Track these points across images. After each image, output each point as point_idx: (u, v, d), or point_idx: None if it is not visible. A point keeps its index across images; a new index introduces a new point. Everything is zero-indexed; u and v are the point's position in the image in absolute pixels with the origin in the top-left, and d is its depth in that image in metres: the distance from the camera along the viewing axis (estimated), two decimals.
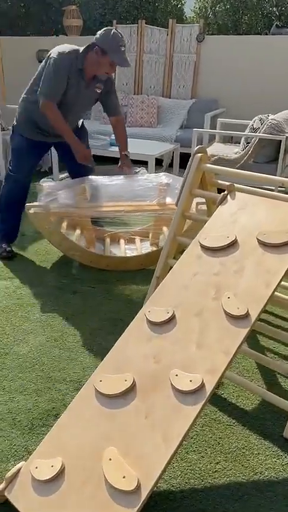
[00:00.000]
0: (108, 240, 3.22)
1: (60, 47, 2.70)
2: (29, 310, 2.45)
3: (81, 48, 2.68)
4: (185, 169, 3.91)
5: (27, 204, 2.72)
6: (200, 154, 2.07)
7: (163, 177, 2.96)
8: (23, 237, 3.41)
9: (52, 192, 2.88)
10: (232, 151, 4.33)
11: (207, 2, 5.96)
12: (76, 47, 2.70)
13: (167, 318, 1.59)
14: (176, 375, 1.43)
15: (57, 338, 2.21)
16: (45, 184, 2.99)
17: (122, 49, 2.61)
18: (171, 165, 5.30)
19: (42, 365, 2.03)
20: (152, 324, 1.61)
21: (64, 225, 3.02)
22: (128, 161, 3.00)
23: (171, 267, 2.11)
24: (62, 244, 2.88)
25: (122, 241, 3.26)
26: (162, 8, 6.24)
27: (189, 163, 4.25)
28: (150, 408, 1.41)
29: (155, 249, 3.06)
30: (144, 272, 2.92)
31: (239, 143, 4.74)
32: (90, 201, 2.91)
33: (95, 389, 1.51)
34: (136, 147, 4.22)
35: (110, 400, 1.47)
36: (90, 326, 2.32)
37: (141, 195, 2.99)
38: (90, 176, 2.95)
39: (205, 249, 1.75)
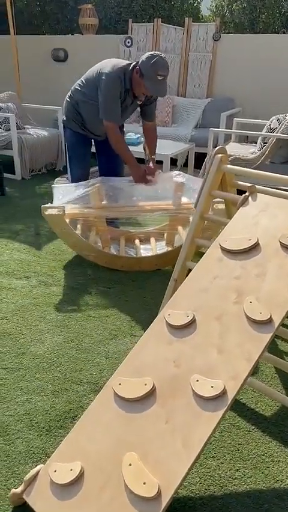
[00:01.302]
0: (123, 240, 3.21)
1: (110, 65, 2.76)
2: (45, 310, 2.45)
3: (129, 64, 2.76)
4: (200, 168, 3.88)
5: (42, 206, 2.72)
6: (220, 155, 2.04)
7: (178, 176, 2.94)
8: (37, 236, 3.42)
9: (67, 193, 2.87)
10: (248, 151, 4.28)
11: (224, 1, 5.89)
12: (124, 64, 2.77)
13: (187, 321, 1.57)
14: (197, 380, 1.41)
15: (74, 339, 2.20)
16: (61, 185, 2.98)
17: (159, 78, 2.64)
18: (185, 165, 5.27)
19: (59, 365, 2.02)
20: (171, 327, 1.59)
21: (79, 225, 3.01)
22: (153, 168, 3.03)
23: (189, 270, 2.10)
24: (77, 245, 2.87)
25: (137, 241, 3.24)
26: (178, 6, 6.20)
27: (205, 162, 4.24)
28: (170, 413, 1.39)
29: (170, 249, 3.04)
30: (159, 273, 2.90)
31: (255, 143, 4.70)
32: (105, 202, 2.90)
33: (114, 392, 1.49)
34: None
35: (129, 404, 1.45)
36: (107, 327, 2.31)
37: (156, 194, 2.97)
38: (105, 177, 2.95)
39: (226, 251, 1.72)
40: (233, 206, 2.33)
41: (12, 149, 4.82)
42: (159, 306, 2.48)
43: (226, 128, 4.99)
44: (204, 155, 5.13)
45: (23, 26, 6.69)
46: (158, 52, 2.71)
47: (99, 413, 1.48)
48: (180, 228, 3.17)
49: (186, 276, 1.79)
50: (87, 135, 3.07)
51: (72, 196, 2.82)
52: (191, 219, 3.07)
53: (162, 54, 2.68)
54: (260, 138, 4.22)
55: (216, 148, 2.06)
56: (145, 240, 3.29)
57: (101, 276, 2.84)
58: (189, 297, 1.65)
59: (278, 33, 5.57)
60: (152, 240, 3.24)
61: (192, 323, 1.57)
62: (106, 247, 3.02)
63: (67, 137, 3.17)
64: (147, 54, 2.67)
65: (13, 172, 4.89)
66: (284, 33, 5.53)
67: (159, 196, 2.99)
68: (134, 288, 2.71)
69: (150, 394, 1.45)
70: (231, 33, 6.02)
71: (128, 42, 6.00)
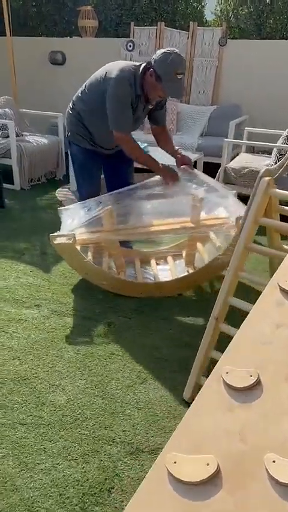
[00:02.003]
0: (138, 262, 2.95)
1: (117, 67, 2.45)
2: (61, 347, 2.18)
3: (138, 66, 2.45)
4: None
5: (51, 234, 2.45)
6: (267, 178, 1.81)
7: (198, 191, 2.69)
8: (44, 256, 3.15)
9: (77, 217, 2.60)
10: (263, 163, 4.07)
11: (229, 5, 5.69)
12: (132, 66, 2.46)
13: (251, 382, 1.32)
14: (273, 461, 1.16)
15: (98, 384, 1.95)
16: (69, 208, 2.71)
17: (179, 77, 2.36)
18: None
19: (85, 419, 1.76)
20: (231, 389, 1.34)
21: (90, 251, 2.75)
22: (186, 158, 2.75)
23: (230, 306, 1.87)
24: (91, 274, 2.61)
25: (153, 262, 2.99)
26: (181, 10, 5.98)
27: (218, 174, 4.01)
28: (241, 502, 1.14)
29: (191, 270, 2.80)
30: (181, 299, 2.66)
31: (265, 153, 4.50)
32: (118, 223, 2.64)
33: (168, 471, 1.24)
34: (157, 156, 3.96)
35: (188, 489, 1.20)
36: (133, 368, 2.06)
37: (173, 211, 2.73)
38: (116, 193, 2.65)
39: (287, 293, 1.48)
40: (276, 233, 2.11)
41: (10, 157, 4.54)
42: (185, 340, 2.25)
43: (234, 136, 4.78)
44: (211, 165, 4.92)
45: (18, 27, 6.40)
46: (171, 48, 2.42)
47: (149, 498, 1.23)
48: (199, 244, 2.94)
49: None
50: (96, 150, 2.74)
51: (82, 221, 2.55)
52: (211, 235, 2.85)
53: (176, 50, 2.39)
54: (275, 149, 4.01)
55: (263, 170, 1.82)
56: (161, 260, 3.05)
57: (119, 303, 2.59)
58: (250, 350, 1.41)
59: (286, 39, 5.38)
60: (170, 259, 3.00)
61: (257, 384, 1.33)
62: (121, 272, 2.77)
63: (74, 155, 2.80)
64: (160, 53, 2.37)
65: (12, 182, 4.60)
66: None
67: (176, 210, 2.74)
68: (156, 318, 2.46)
69: (215, 477, 1.20)
70: (236, 38, 5.81)
71: (130, 46, 5.76)
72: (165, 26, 5.65)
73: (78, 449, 1.63)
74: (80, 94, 2.68)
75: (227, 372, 1.37)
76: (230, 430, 1.26)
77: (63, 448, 1.63)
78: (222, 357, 1.44)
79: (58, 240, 2.48)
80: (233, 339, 1.47)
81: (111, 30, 6.20)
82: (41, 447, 1.63)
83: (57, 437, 1.68)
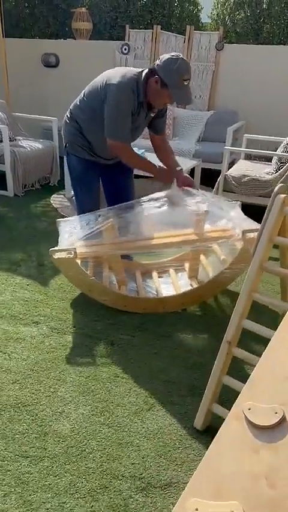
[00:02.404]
0: (139, 275, 2.86)
1: (119, 74, 2.35)
2: (63, 369, 2.07)
3: (140, 72, 2.34)
4: (206, 185, 3.45)
5: (51, 249, 2.35)
6: (283, 196, 1.72)
7: (199, 202, 2.59)
8: (41, 268, 3.03)
9: (76, 230, 2.49)
10: (263, 171, 4.00)
11: (225, 9, 5.63)
12: (134, 72, 2.35)
13: (276, 420, 1.24)
14: None
15: (103, 410, 1.84)
16: (67, 220, 2.60)
17: (186, 84, 2.27)
18: None
19: (92, 451, 1.66)
20: (255, 427, 1.25)
21: (90, 264, 2.64)
22: (188, 178, 2.62)
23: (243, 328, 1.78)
24: (93, 290, 2.51)
25: (154, 274, 2.90)
26: (177, 13, 5.90)
27: (217, 182, 3.93)
28: None
29: (195, 285, 2.71)
30: (185, 314, 2.57)
31: (266, 161, 4.43)
32: (119, 236, 2.54)
33: None
34: (154, 162, 3.87)
35: None
36: (139, 392, 1.96)
37: (176, 222, 2.63)
38: (118, 207, 2.55)
39: None
40: None
41: (3, 163, 4.41)
42: (193, 361, 2.16)
43: (231, 142, 4.71)
44: (208, 171, 4.85)
45: (11, 28, 6.27)
46: (175, 53, 2.29)
47: None
48: (202, 257, 2.85)
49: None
50: (95, 161, 2.62)
51: (82, 234, 2.44)
52: (215, 247, 2.77)
53: (180, 55, 2.28)
54: (275, 157, 3.94)
55: (278, 187, 1.74)
56: (163, 273, 2.95)
57: (121, 319, 2.49)
58: (273, 384, 1.32)
59: (284, 44, 5.33)
60: (172, 272, 2.90)
61: (282, 421, 1.25)
62: (122, 286, 2.67)
63: (73, 166, 2.68)
64: (165, 58, 2.26)
65: (5, 188, 4.47)
66: None
67: (179, 222, 2.65)
68: (160, 336, 2.37)
69: None
70: (232, 42, 5.75)
71: (125, 49, 5.66)
72: (161, 29, 5.57)
73: (85, 484, 1.53)
74: (78, 103, 2.55)
75: (249, 409, 1.28)
76: (255, 473, 1.17)
77: (70, 484, 1.53)
78: (242, 392, 1.35)
79: (58, 255, 2.38)
80: (254, 371, 1.38)
81: (105, 32, 6.10)
82: (46, 483, 1.53)
83: (63, 471, 1.57)
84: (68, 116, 2.60)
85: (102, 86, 2.38)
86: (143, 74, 2.34)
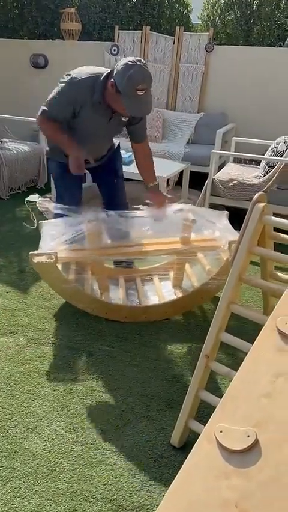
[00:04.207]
0: (122, 281, 2.79)
1: (78, 71, 2.27)
2: (38, 382, 2.00)
3: (103, 73, 2.23)
4: (194, 188, 3.38)
5: (30, 252, 2.27)
6: (262, 204, 1.66)
7: (189, 213, 2.53)
8: (21, 275, 2.96)
9: (59, 233, 2.42)
10: (251, 175, 3.95)
11: (216, 10, 5.58)
12: (97, 72, 2.25)
13: (248, 444, 1.17)
14: None
15: (77, 427, 1.77)
16: (50, 222, 2.53)
17: (140, 94, 2.09)
18: (178, 183, 4.89)
19: (62, 471, 1.59)
20: (226, 451, 1.19)
21: (72, 269, 2.58)
22: (161, 196, 2.53)
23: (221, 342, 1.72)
24: (74, 297, 2.45)
25: (138, 281, 2.83)
26: (167, 14, 5.84)
27: (205, 186, 3.87)
28: None
29: (180, 295, 2.64)
30: (167, 323, 2.51)
31: (255, 164, 4.38)
32: (104, 241, 2.48)
33: None
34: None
35: None
36: (116, 406, 1.89)
37: (162, 229, 2.57)
38: (104, 212, 2.48)
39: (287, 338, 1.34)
40: (269, 261, 1.97)
41: None
42: (173, 373, 2.09)
43: (220, 145, 4.65)
44: (197, 174, 4.79)
45: None
46: (136, 58, 2.12)
47: None
48: (187, 266, 2.78)
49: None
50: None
51: (65, 238, 2.37)
52: (199, 257, 2.71)
53: (142, 61, 2.12)
54: (264, 161, 3.89)
55: (257, 195, 1.68)
56: (147, 280, 2.88)
57: (101, 329, 2.42)
58: (246, 404, 1.26)
59: (274, 46, 5.28)
60: (156, 280, 2.84)
61: (254, 445, 1.18)
62: (105, 292, 2.60)
63: (53, 170, 2.64)
64: (122, 62, 2.10)
65: None
66: (280, 46, 5.24)
67: (165, 229, 2.59)
68: (141, 346, 2.30)
69: None
70: (223, 44, 5.70)
71: (114, 50, 5.59)
72: (150, 30, 5.50)
73: (54, 507, 1.46)
74: None
75: (220, 431, 1.21)
76: (225, 500, 1.11)
77: (38, 507, 1.46)
78: (215, 412, 1.29)
79: (38, 259, 2.30)
80: (227, 390, 1.32)
81: (94, 33, 6.03)
82: (13, 506, 1.46)
83: (31, 493, 1.50)
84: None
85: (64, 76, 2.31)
86: (103, 74, 2.22)
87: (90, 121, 2.31)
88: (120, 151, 2.81)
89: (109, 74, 2.20)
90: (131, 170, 3.44)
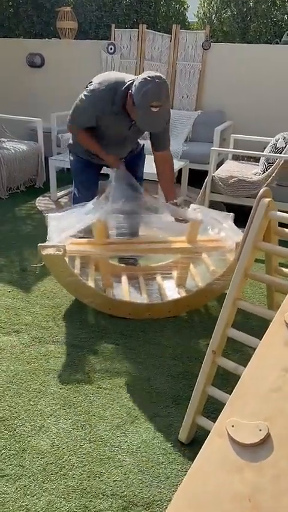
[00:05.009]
0: (125, 278, 2.78)
1: (102, 78, 2.33)
2: (44, 380, 2.00)
3: (125, 82, 2.26)
4: (193, 186, 3.37)
5: (39, 244, 2.27)
6: (267, 200, 1.67)
7: (197, 213, 2.52)
8: (23, 274, 2.95)
9: (65, 225, 2.42)
10: (251, 172, 3.95)
11: (212, 7, 5.58)
12: (120, 81, 2.28)
13: (260, 438, 1.18)
14: None
15: (84, 424, 1.78)
16: (57, 215, 2.52)
17: (154, 110, 2.13)
18: (177, 181, 4.89)
19: (72, 468, 1.59)
20: (238, 445, 1.20)
21: (78, 262, 2.59)
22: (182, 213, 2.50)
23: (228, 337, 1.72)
24: (79, 290, 2.45)
25: (141, 279, 2.83)
26: (163, 12, 5.83)
27: (205, 183, 3.87)
28: None
29: (184, 294, 2.64)
30: (172, 320, 2.51)
31: (254, 161, 4.39)
32: (111, 235, 2.49)
33: None
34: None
35: None
36: (123, 403, 1.89)
37: (169, 229, 2.57)
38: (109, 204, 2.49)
39: None
40: (274, 256, 1.98)
41: None
42: (179, 369, 2.10)
43: (218, 143, 4.65)
44: (196, 172, 4.79)
45: None
46: (155, 74, 2.16)
47: None
48: (191, 266, 2.79)
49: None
50: (95, 162, 2.62)
51: (72, 231, 2.37)
52: (204, 256, 2.71)
53: (161, 77, 2.16)
54: (263, 158, 3.90)
55: (262, 190, 1.69)
56: (151, 279, 2.88)
57: (105, 326, 2.42)
58: (257, 399, 1.26)
59: (271, 43, 5.29)
60: (159, 277, 2.84)
61: (267, 439, 1.19)
62: (108, 288, 2.60)
63: (72, 163, 2.74)
64: (141, 77, 2.15)
65: None
66: (277, 43, 5.25)
67: (172, 227, 2.58)
68: (146, 343, 2.31)
69: None
70: (219, 41, 5.70)
71: (111, 48, 5.59)
72: (147, 28, 5.50)
73: (64, 504, 1.46)
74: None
75: (232, 426, 1.22)
76: (238, 494, 1.12)
77: (48, 504, 1.46)
78: (226, 407, 1.29)
79: (47, 251, 2.29)
80: (237, 384, 1.32)
81: (91, 32, 6.02)
82: (23, 504, 1.46)
83: (41, 490, 1.50)
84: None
85: (87, 85, 2.40)
86: (125, 85, 2.26)
87: (111, 129, 2.39)
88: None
89: (130, 85, 2.23)
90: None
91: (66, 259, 2.36)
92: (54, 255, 2.26)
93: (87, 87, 2.37)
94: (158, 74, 2.18)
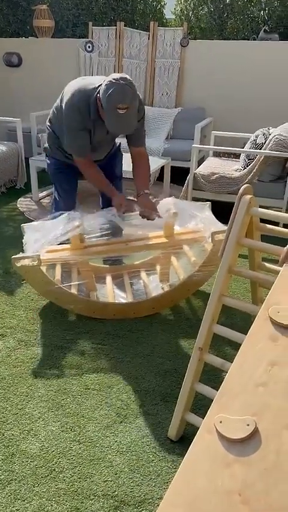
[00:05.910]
0: (109, 279, 2.78)
1: (73, 89, 2.28)
2: (31, 383, 1.99)
3: (95, 88, 2.23)
4: (175, 183, 3.38)
5: (13, 257, 2.26)
6: (248, 197, 1.68)
7: (171, 206, 2.53)
8: (6, 276, 2.93)
9: (42, 235, 2.40)
10: (231, 168, 3.98)
11: (189, 4, 5.59)
12: (89, 88, 2.24)
13: (248, 433, 1.19)
14: None
15: (73, 426, 1.77)
16: (32, 224, 2.50)
17: (120, 112, 2.10)
18: (159, 178, 4.90)
19: (62, 470, 1.58)
20: (227, 441, 1.21)
21: (58, 270, 2.56)
22: (150, 203, 2.48)
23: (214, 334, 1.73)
24: (60, 298, 2.43)
25: (126, 278, 2.83)
26: (140, 9, 5.82)
27: (187, 181, 3.89)
28: None
29: (166, 288, 2.65)
30: (157, 318, 2.52)
31: (235, 158, 4.42)
32: (88, 239, 2.47)
33: None
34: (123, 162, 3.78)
35: None
36: (111, 403, 1.89)
37: (144, 226, 2.57)
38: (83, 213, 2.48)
39: (281, 327, 1.36)
40: (258, 252, 2.00)
41: None
42: (166, 367, 2.10)
43: (199, 139, 4.67)
44: (178, 169, 4.80)
45: None
46: (120, 76, 2.13)
47: None
48: (173, 259, 2.80)
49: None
50: (73, 163, 2.56)
51: (48, 239, 2.35)
52: (185, 249, 2.72)
53: (126, 78, 2.12)
54: (243, 154, 3.93)
55: (243, 188, 1.70)
56: (134, 276, 2.89)
57: (91, 327, 2.41)
58: (244, 394, 1.28)
59: (248, 39, 5.32)
60: (143, 273, 2.84)
61: (254, 434, 1.20)
62: (92, 291, 2.59)
63: (50, 167, 2.70)
64: (107, 80, 2.13)
65: None
66: (254, 39, 5.29)
67: (148, 223, 2.58)
68: (132, 341, 2.31)
69: None
70: (197, 38, 5.72)
71: (89, 47, 5.56)
72: (124, 26, 5.48)
73: (56, 508, 1.46)
74: (51, 112, 2.53)
75: (220, 422, 1.23)
76: (227, 490, 1.13)
77: (39, 508, 1.45)
78: (213, 403, 1.31)
79: (21, 262, 2.29)
80: (224, 381, 1.34)
81: (68, 30, 5.97)
82: (14, 509, 1.45)
83: (32, 494, 1.50)
84: (48, 121, 2.59)
85: (60, 102, 2.38)
86: (97, 89, 2.22)
87: (92, 137, 2.35)
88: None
89: (99, 91, 2.20)
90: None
91: (44, 268, 2.36)
92: (29, 266, 2.26)
93: (62, 99, 2.34)
94: (123, 75, 2.15)
